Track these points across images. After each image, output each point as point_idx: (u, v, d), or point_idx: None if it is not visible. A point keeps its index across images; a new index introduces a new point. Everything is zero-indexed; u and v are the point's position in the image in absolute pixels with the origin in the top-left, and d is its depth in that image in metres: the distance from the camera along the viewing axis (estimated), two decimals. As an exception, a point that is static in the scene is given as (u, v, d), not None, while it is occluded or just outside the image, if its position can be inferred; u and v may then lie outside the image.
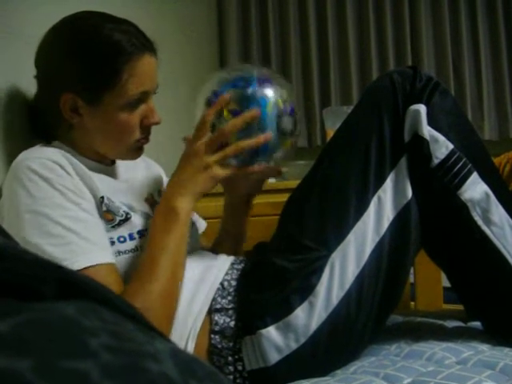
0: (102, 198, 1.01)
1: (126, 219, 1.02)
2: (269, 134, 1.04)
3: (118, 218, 1.01)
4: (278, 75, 1.15)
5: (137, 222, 1.04)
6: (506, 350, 0.99)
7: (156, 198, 1.20)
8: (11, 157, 1.03)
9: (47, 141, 1.12)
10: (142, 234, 1.03)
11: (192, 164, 1.02)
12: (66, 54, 1.04)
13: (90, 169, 1.05)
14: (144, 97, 1.06)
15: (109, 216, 1.01)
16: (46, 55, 1.07)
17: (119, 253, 0.99)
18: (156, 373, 0.22)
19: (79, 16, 1.07)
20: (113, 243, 0.99)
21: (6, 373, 0.18)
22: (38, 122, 1.16)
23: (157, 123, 1.10)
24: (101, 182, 1.04)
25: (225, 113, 1.06)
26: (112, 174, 1.13)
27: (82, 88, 1.03)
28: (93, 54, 1.03)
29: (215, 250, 1.23)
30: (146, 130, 1.10)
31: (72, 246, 0.91)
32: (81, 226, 0.93)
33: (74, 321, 0.22)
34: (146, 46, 1.06)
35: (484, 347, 1.02)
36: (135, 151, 1.12)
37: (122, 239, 1.00)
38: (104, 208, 1.00)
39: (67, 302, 0.24)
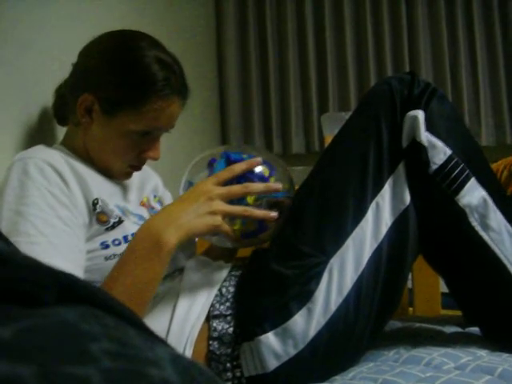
0: (97, 199, 1.02)
1: (120, 222, 1.03)
2: (275, 213, 0.99)
3: (112, 220, 1.02)
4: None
5: (130, 225, 1.04)
6: (505, 355, 0.99)
7: (152, 203, 1.20)
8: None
9: (64, 125, 1.19)
10: None
11: (199, 201, 0.94)
12: (106, 59, 1.08)
13: (89, 171, 1.07)
14: (154, 133, 1.09)
15: (103, 217, 1.01)
16: (90, 52, 1.11)
17: (114, 256, 0.99)
18: (157, 378, 0.22)
19: (135, 34, 1.11)
20: (108, 246, 1.00)
21: (9, 379, 0.18)
22: (58, 104, 1.21)
23: (155, 159, 1.12)
24: (97, 184, 1.05)
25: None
26: (110, 178, 1.14)
27: (105, 96, 1.06)
28: (129, 72, 1.06)
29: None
30: (142, 160, 1.13)
31: (35, 247, 0.89)
32: (50, 231, 0.92)
33: (74, 326, 0.22)
34: (180, 91, 1.09)
35: (482, 353, 1.02)
36: (123, 174, 1.15)
37: (116, 242, 1.01)
38: (98, 209, 1.01)
39: (68, 307, 0.24)
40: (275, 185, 1.00)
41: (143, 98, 1.04)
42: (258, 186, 0.98)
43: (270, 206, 1.03)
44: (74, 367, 0.20)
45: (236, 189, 0.97)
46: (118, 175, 1.14)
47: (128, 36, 1.11)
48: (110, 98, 1.06)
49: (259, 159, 1.02)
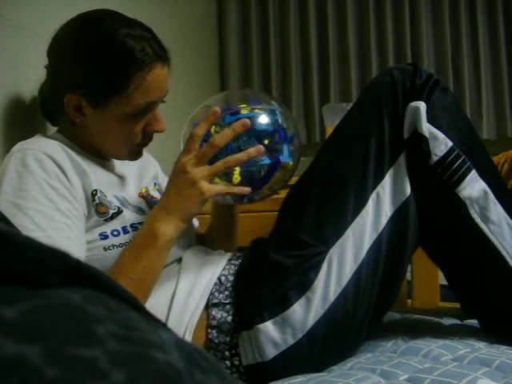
0: (96, 190, 1.01)
1: (119, 212, 1.02)
2: (260, 147, 0.97)
3: (110, 211, 1.01)
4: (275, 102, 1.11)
5: (129, 216, 1.04)
6: (503, 347, 0.99)
7: (151, 193, 1.19)
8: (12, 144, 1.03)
9: (54, 124, 1.16)
10: (136, 227, 1.02)
11: (178, 180, 0.97)
12: (76, 54, 1.02)
13: (87, 162, 1.05)
14: (150, 106, 1.04)
15: (102, 209, 1.00)
16: (57, 51, 1.06)
17: (113, 246, 0.99)
18: (162, 362, 0.22)
19: (95, 16, 1.04)
20: (106, 237, 0.99)
21: (15, 358, 0.18)
22: (45, 106, 1.17)
23: (160, 131, 1.08)
24: (96, 175, 1.04)
25: (212, 128, 1.01)
26: (108, 168, 1.13)
27: (88, 91, 1.01)
28: (103, 59, 1.00)
29: (206, 241, 1.24)
30: (148, 136, 1.09)
31: None
32: (49, 225, 0.91)
33: (79, 308, 0.22)
34: (159, 55, 1.03)
35: (480, 345, 1.02)
36: (134, 154, 1.11)
37: (115, 233, 1.00)
38: (97, 201, 1.00)
39: (72, 289, 0.24)
40: (256, 149, 0.97)
41: (126, 77, 0.99)
42: (238, 157, 0.97)
43: (259, 139, 1.00)
44: (81, 348, 0.20)
45: (218, 167, 0.96)
46: (129, 157, 1.12)
47: (90, 21, 1.04)
48: (94, 91, 1.01)
49: (238, 129, 0.98)
